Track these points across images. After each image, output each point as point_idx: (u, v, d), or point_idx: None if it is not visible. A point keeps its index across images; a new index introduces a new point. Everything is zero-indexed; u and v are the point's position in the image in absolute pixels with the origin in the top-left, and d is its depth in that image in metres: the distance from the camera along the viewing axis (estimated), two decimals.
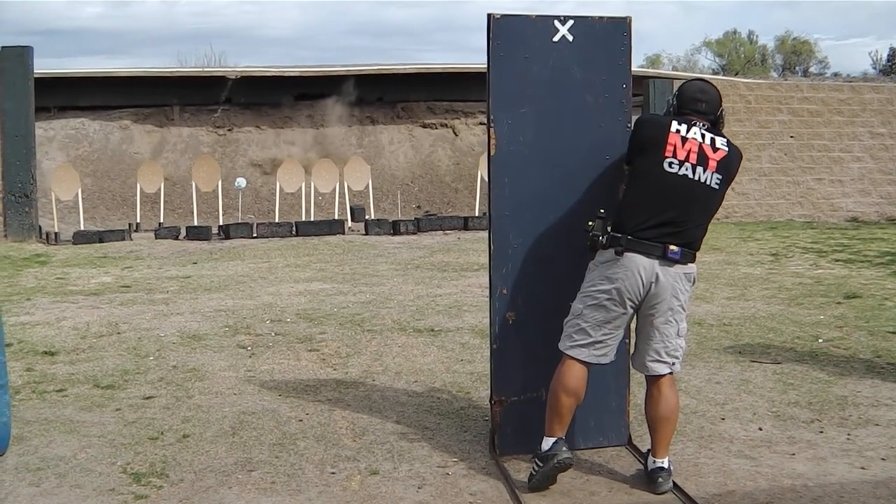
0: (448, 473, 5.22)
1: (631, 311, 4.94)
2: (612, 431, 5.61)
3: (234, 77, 23.35)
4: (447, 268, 13.08)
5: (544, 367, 5.23)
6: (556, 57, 5.36)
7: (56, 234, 17.16)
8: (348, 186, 20.08)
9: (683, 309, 4.99)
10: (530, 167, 5.37)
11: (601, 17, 5.43)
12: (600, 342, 4.94)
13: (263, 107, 23.59)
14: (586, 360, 4.95)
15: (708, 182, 4.87)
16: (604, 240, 4.86)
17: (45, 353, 8.01)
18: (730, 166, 4.94)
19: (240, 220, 19.14)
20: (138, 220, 19.16)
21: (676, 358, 5.05)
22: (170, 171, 21.67)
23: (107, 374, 7.29)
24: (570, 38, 5.36)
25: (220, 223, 18.28)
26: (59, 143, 22.49)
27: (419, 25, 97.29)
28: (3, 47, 16.76)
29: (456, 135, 24.56)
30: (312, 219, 19.15)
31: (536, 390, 5.40)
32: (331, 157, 21.48)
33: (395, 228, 18.04)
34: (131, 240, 16.97)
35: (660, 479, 4.95)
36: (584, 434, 5.53)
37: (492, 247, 5.45)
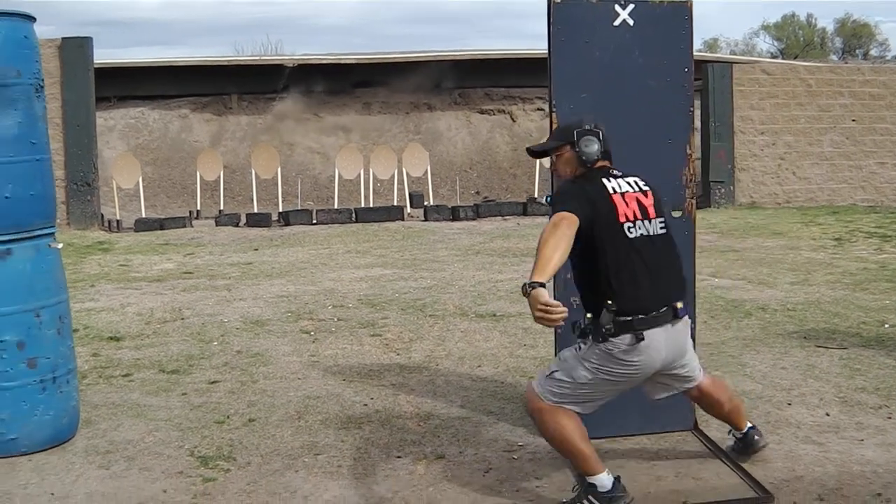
0: (514, 458, 5.21)
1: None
2: (676, 416, 5.56)
3: (291, 65, 23.43)
4: (507, 253, 13.07)
5: None
6: (616, 41, 5.32)
7: (118, 221, 17.36)
8: (406, 173, 20.10)
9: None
10: None
11: (662, 1, 5.38)
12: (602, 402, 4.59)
13: (321, 94, 23.64)
14: (581, 412, 4.50)
15: (658, 232, 4.48)
16: (612, 328, 4.30)
17: (111, 338, 8.12)
18: (659, 201, 4.55)
19: (299, 207, 19.24)
20: (198, 208, 19.33)
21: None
22: (229, 159, 21.81)
23: (172, 359, 7.37)
24: (631, 21, 5.31)
25: (280, 210, 18.38)
26: (119, 132, 22.71)
27: (476, 12, 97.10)
28: (63, 38, 16.94)
29: (513, 121, 24.49)
30: (371, 205, 19.20)
31: None
32: (389, 144, 21.52)
33: (454, 214, 18.05)
34: (192, 227, 17.13)
35: (756, 437, 5.03)
36: (647, 418, 5.49)
37: None
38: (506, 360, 7.20)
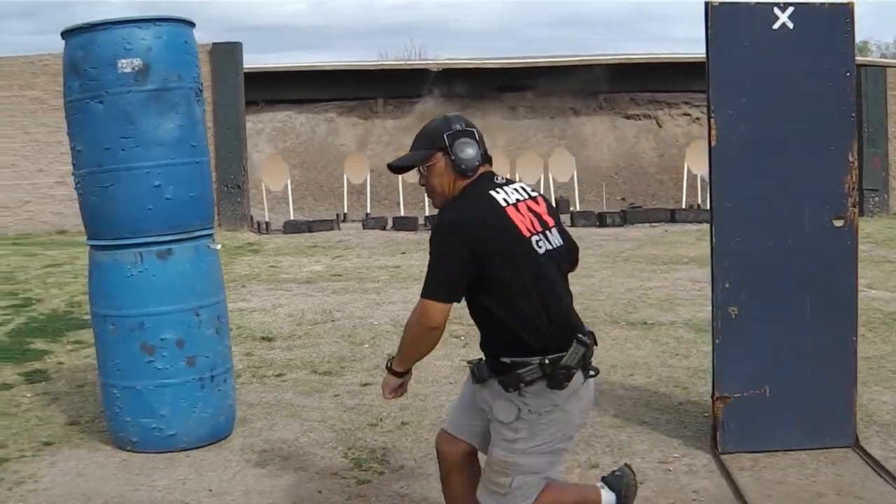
0: (669, 470, 5.09)
1: None
2: (836, 432, 5.35)
3: (436, 70, 23.54)
4: (656, 261, 12.86)
5: (768, 364, 5.10)
6: (776, 45, 5.15)
7: (267, 223, 17.68)
8: (552, 178, 19.98)
9: None
10: (751, 158, 5.18)
11: (822, 3, 5.19)
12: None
13: (465, 99, 23.70)
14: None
15: (558, 243, 3.70)
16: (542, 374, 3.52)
17: (263, 338, 8.24)
18: (552, 212, 3.76)
19: None
20: (345, 211, 19.54)
21: None
22: (375, 163, 22.00)
23: (323, 360, 7.43)
24: (791, 24, 5.14)
25: (427, 214, 18.45)
26: (267, 135, 23.15)
27: (621, 15, 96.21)
28: (214, 44, 17.35)
29: (660, 126, 24.16)
30: None
31: (760, 387, 5.23)
32: (534, 149, 21.43)
33: (601, 220, 17.89)
34: (339, 230, 17.33)
35: None
36: (806, 433, 5.31)
37: (713, 240, 5.26)
38: (658, 369, 7.05)
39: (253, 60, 19.23)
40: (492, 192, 3.57)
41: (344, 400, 6.38)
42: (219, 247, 5.71)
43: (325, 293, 10.40)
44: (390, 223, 17.59)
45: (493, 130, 23.39)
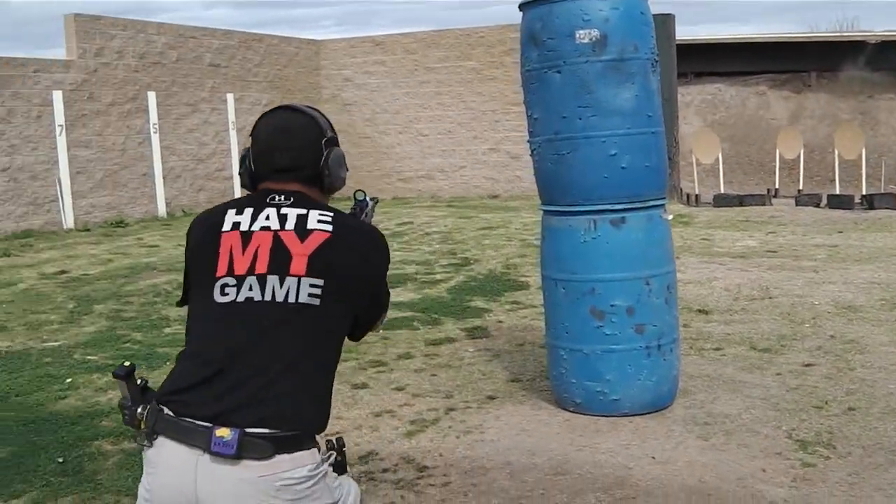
0: None
1: None
2: None
3: (873, 42, 22.28)
4: None
5: None
6: None
7: (696, 196, 17.52)
8: None
9: None
10: None
11: None
12: None
13: None
14: None
15: (293, 298, 2.60)
16: (131, 416, 2.66)
17: (699, 311, 8.18)
18: (341, 258, 2.67)
19: (882, 191, 18.27)
20: (776, 186, 18.98)
21: None
22: (808, 138, 21.20)
23: (762, 337, 7.27)
24: None
25: (863, 192, 17.56)
26: (695, 108, 22.92)
27: None
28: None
29: None
30: None
31: None
32: None
33: None
34: (771, 205, 16.85)
35: None
36: None
37: None
38: None
39: (684, 33, 19.07)
40: (233, 208, 2.76)
41: (786, 379, 6.20)
42: (671, 217, 5.71)
43: (761, 269, 10.14)
44: (824, 200, 16.88)
45: None
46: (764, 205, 16.69)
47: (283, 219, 2.67)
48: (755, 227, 13.82)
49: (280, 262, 2.62)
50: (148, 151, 17.43)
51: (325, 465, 2.61)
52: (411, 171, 21.01)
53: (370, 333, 2.99)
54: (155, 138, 17.44)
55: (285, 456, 2.49)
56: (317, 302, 2.60)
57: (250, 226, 2.68)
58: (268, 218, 2.68)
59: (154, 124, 17.47)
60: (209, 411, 2.51)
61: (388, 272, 2.90)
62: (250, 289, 2.61)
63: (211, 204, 18.54)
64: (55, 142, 15.75)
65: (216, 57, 18.97)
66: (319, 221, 2.68)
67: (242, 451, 2.45)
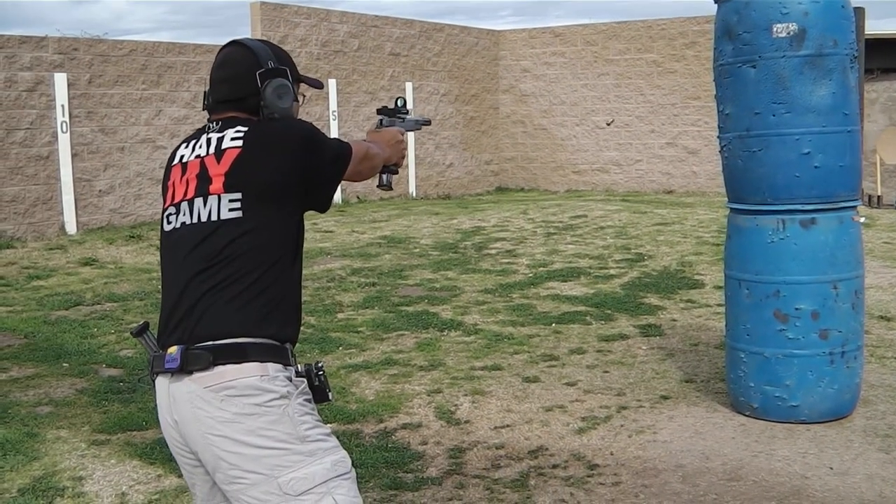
0: None
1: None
2: None
3: None
4: None
5: None
6: None
7: (878, 197, 16.97)
8: None
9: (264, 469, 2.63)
10: None
11: None
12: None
13: None
14: None
15: (215, 216, 2.74)
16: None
17: (881, 317, 7.93)
18: (255, 168, 2.76)
19: None
20: None
21: None
22: None
23: None
24: None
25: None
26: (881, 105, 22.10)
27: None
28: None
29: None
30: None
31: None
32: None
33: None
34: None
35: None
36: None
37: None
38: None
39: (872, 27, 18.42)
40: (184, 142, 2.98)
41: None
42: (863, 220, 5.54)
43: None
44: None
45: None
46: None
47: (208, 144, 2.84)
48: None
49: (203, 184, 2.78)
50: None
51: (285, 386, 2.67)
52: (586, 164, 20.87)
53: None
54: (334, 125, 17.75)
55: (229, 366, 2.63)
56: (238, 215, 2.72)
57: (189, 157, 2.87)
58: (200, 146, 2.86)
59: (333, 111, 17.80)
60: (171, 338, 2.72)
61: (335, 143, 2.96)
62: (184, 214, 2.80)
63: (386, 192, 18.63)
64: None
65: (396, 46, 19.20)
66: (233, 139, 2.79)
67: (187, 364, 2.64)
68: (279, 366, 2.68)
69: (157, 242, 11.94)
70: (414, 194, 19.30)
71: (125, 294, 9.35)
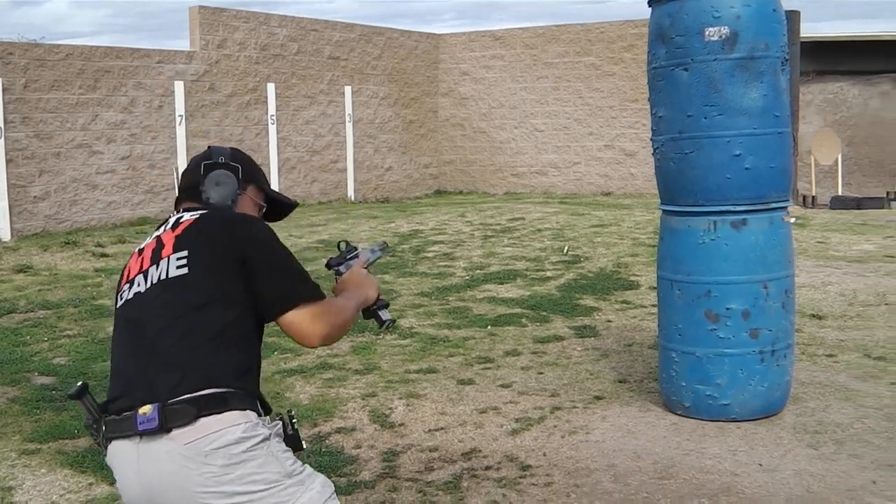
0: None
1: None
2: None
3: None
4: None
5: None
6: None
7: (813, 197, 17.22)
8: None
9: None
10: None
11: None
12: None
13: None
14: None
15: (164, 275, 2.77)
16: (98, 433, 2.73)
17: (813, 315, 8.03)
18: (204, 230, 2.82)
19: None
20: None
21: None
22: None
23: (877, 344, 7.12)
24: None
25: None
26: (816, 107, 22.41)
27: None
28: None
29: None
30: None
31: None
32: None
33: None
34: (890, 208, 16.47)
35: None
36: None
37: None
38: None
39: (807, 29, 18.67)
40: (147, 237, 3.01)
41: None
42: (793, 220, 5.62)
43: (878, 274, 9.91)
44: None
45: None
46: (883, 208, 16.33)
47: (166, 224, 2.92)
48: (873, 231, 13.47)
49: (157, 254, 2.81)
50: (265, 142, 17.65)
51: (265, 429, 2.64)
52: (525, 167, 20.97)
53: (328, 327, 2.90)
54: (272, 129, 17.68)
55: (212, 418, 2.56)
56: (185, 271, 2.74)
57: (148, 241, 2.92)
58: (159, 230, 2.93)
59: (272, 115, 17.71)
60: (134, 401, 2.60)
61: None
62: (138, 285, 2.80)
63: (325, 195, 18.57)
64: (174, 132, 16.05)
65: (336, 49, 19.17)
66: (191, 215, 2.88)
67: (167, 421, 2.54)
68: (254, 413, 2.66)
69: (93, 249, 12.26)
70: (352, 198, 19.28)
71: (59, 301, 9.22)
